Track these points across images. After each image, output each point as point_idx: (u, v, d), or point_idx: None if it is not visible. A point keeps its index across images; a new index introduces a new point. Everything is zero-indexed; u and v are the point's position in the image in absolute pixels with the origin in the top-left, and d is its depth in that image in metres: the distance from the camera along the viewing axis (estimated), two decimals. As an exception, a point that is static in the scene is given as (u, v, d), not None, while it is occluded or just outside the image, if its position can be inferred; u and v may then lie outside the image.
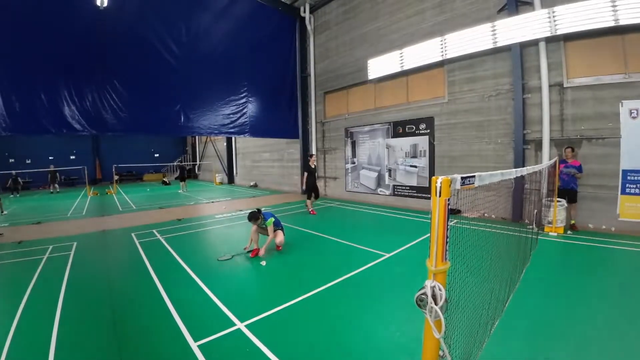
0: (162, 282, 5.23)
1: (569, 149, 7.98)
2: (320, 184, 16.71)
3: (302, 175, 12.06)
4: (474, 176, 1.99)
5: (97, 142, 30.89)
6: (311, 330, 3.72)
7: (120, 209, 13.80)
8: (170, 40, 12.06)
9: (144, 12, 11.36)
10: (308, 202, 11.55)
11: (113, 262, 6.61)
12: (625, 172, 7.60)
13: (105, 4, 10.08)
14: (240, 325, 3.78)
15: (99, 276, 5.71)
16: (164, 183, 25.90)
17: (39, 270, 5.95)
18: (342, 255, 6.54)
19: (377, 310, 4.20)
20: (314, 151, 16.64)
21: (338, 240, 7.64)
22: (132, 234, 8.66)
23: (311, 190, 11.46)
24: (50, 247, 7.57)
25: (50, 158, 27.22)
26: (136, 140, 32.01)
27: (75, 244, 7.85)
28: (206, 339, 3.50)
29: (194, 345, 3.38)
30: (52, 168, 23.22)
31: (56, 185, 23.14)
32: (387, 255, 6.39)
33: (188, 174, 33.72)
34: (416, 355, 1.76)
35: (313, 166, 11.75)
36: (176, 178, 24.12)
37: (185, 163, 33.91)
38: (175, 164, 33.91)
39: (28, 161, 26.18)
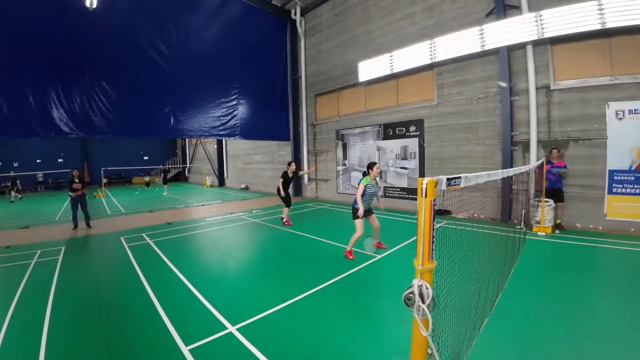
0: (152, 286, 5.19)
1: (555, 150, 8.13)
2: (311, 186, 16.77)
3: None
4: (459, 177, 2.02)
5: (85, 145, 30.54)
6: (303, 333, 3.73)
7: (109, 213, 13.65)
8: (160, 42, 11.98)
9: (134, 14, 11.26)
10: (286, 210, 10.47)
11: (102, 266, 6.54)
12: (611, 172, 7.76)
13: (95, 5, 9.97)
14: (232, 329, 3.77)
15: (88, 281, 5.65)
16: (147, 184, 25.64)
17: (27, 276, 5.85)
18: (334, 257, 6.54)
19: (368, 311, 4.23)
20: (305, 154, 16.66)
21: (329, 242, 7.64)
22: (121, 238, 8.57)
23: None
24: (38, 251, 7.46)
25: (37, 161, 26.83)
26: (125, 142, 31.66)
27: (63, 248, 7.76)
28: (197, 343, 3.48)
29: (185, 350, 3.36)
30: (12, 174, 20.87)
31: (17, 193, 20.35)
32: (378, 257, 6.43)
33: (176, 177, 33.61)
34: (406, 355, 1.79)
35: (291, 174, 10.26)
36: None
37: (173, 166, 33.69)
38: (159, 167, 33.63)
39: (15, 164, 25.74)
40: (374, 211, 6.73)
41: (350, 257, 6.38)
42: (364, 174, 6.42)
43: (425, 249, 1.63)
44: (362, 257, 6.41)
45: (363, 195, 6.24)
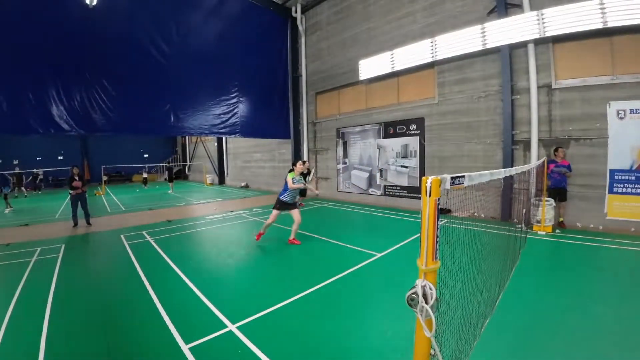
0: (152, 284, 5.18)
1: (561, 149, 8.09)
2: (311, 185, 16.77)
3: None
4: (463, 176, 2.00)
5: (85, 143, 30.46)
6: (303, 331, 3.72)
7: (109, 210, 13.64)
8: (161, 40, 11.95)
9: (134, 11, 11.24)
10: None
11: (102, 264, 6.54)
12: (612, 171, 7.74)
13: (95, 3, 9.93)
14: (232, 327, 3.76)
15: (88, 279, 5.64)
16: (144, 182, 25.44)
17: (27, 273, 5.85)
18: (334, 255, 6.54)
19: (369, 310, 4.21)
20: (305, 152, 16.66)
21: (329, 240, 7.64)
22: (122, 236, 8.56)
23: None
24: (39, 249, 7.45)
25: (37, 159, 26.76)
26: (125, 140, 31.57)
27: (63, 246, 7.75)
28: (197, 342, 3.47)
29: (185, 348, 3.35)
30: (17, 170, 21.87)
31: (24, 189, 21.60)
32: (379, 255, 6.41)
33: (177, 175, 33.46)
34: (408, 354, 1.77)
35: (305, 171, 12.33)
36: (166, 179, 23.78)
37: (174, 164, 33.59)
38: (163, 164, 33.53)
39: (15, 162, 25.66)
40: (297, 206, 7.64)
41: (257, 239, 7.39)
42: (290, 171, 7.25)
43: (429, 248, 1.61)
44: (363, 256, 6.39)
45: (288, 189, 7.02)
